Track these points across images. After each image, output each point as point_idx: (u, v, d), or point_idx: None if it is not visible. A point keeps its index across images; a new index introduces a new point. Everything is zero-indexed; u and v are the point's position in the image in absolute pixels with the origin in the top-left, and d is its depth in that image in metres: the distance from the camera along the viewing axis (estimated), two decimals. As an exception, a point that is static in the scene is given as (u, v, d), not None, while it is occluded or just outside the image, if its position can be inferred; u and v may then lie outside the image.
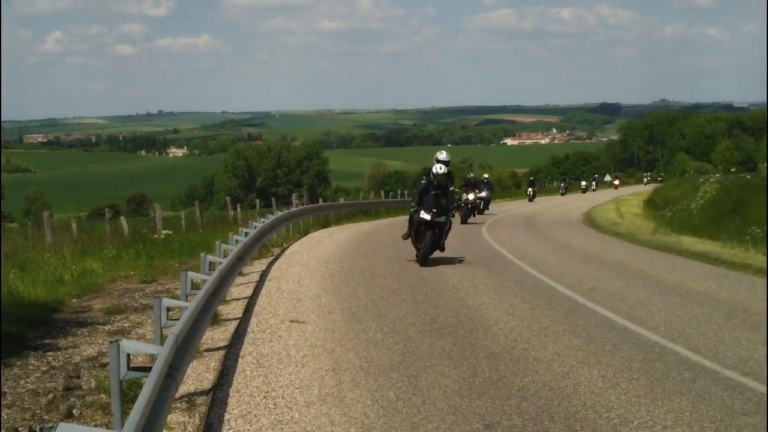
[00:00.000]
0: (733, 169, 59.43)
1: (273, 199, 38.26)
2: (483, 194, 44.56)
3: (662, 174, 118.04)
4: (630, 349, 10.45)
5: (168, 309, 8.98)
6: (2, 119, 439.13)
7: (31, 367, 9.91)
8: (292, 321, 12.51)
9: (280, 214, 26.58)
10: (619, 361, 9.79)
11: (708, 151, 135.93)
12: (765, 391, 8.45)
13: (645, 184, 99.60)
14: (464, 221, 36.53)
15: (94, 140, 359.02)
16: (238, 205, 36.94)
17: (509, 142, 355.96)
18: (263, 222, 22.18)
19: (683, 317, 12.65)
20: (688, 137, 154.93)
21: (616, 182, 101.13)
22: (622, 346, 10.63)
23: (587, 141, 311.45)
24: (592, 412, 7.89)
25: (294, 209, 30.88)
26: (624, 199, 57.32)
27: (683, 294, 15.00)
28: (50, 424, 7.69)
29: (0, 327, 10.70)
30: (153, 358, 6.96)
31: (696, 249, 22.60)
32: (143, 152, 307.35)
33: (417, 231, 19.44)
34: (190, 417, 7.94)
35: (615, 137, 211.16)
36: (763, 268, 17.84)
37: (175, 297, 12.12)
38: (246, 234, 18.29)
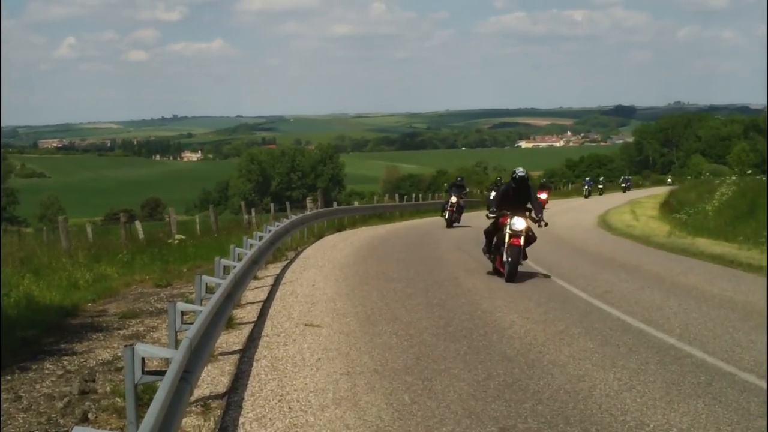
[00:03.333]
0: (749, 171, 59.15)
1: (287, 203, 38.28)
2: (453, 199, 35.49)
3: (629, 178, 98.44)
4: (645, 351, 10.41)
5: (182, 313, 9.00)
6: (18, 125, 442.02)
7: (46, 371, 9.94)
8: (306, 324, 12.52)
9: (294, 218, 26.62)
10: (634, 364, 9.75)
11: (724, 154, 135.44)
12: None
13: (586, 197, 74.24)
14: (449, 225, 34.30)
15: (108, 145, 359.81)
16: (253, 209, 36.98)
17: (524, 145, 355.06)
18: (278, 226, 22.22)
19: (699, 320, 12.60)
20: (704, 139, 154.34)
21: (543, 196, 47.58)
22: (637, 348, 10.59)
23: (602, 144, 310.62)
24: (608, 415, 7.86)
25: (308, 213, 30.90)
26: (639, 201, 57.14)
27: (699, 296, 14.94)
28: (65, 428, 7.71)
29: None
30: (167, 362, 6.97)
31: (712, 251, 22.49)
32: (158, 157, 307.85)
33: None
34: (205, 420, 7.95)
35: (630, 140, 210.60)
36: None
37: (189, 301, 12.15)
38: (260, 238, 18.33)
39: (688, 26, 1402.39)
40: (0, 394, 8.84)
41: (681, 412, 7.95)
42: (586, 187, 77.70)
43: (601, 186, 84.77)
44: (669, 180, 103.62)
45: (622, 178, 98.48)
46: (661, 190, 67.90)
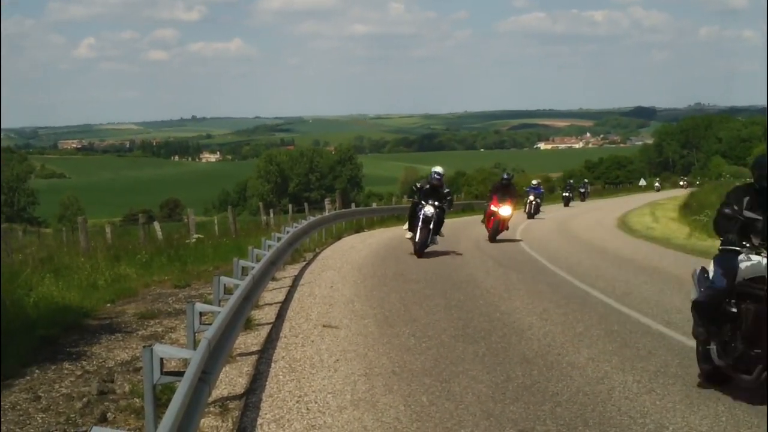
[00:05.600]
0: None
1: (306, 204, 38.31)
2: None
3: (587, 182, 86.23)
4: (665, 354, 10.36)
5: (201, 314, 9.01)
6: (38, 126, 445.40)
7: (65, 372, 9.96)
8: (324, 326, 12.51)
9: (312, 219, 26.63)
10: (654, 367, 9.70)
11: (744, 155, 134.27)
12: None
13: (530, 216, 44.74)
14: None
15: (127, 146, 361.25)
16: (271, 210, 37.05)
17: (543, 146, 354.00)
18: (296, 227, 22.23)
19: (719, 322, 12.51)
20: (724, 141, 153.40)
21: (502, 211, 27.73)
22: (657, 351, 10.54)
23: (621, 145, 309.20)
24: (627, 417, 7.82)
25: (327, 214, 30.92)
26: (659, 203, 56.93)
27: (719, 299, 14.83)
28: (84, 428, 7.73)
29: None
30: (186, 362, 6.97)
31: (732, 253, 22.34)
32: (176, 158, 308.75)
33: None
34: (223, 421, 7.95)
35: (650, 141, 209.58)
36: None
37: (208, 302, 12.15)
38: (279, 239, 18.34)
39: (709, 26, 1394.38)
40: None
41: (701, 414, 7.91)
42: (530, 198, 46.66)
43: (539, 201, 47.47)
44: (657, 184, 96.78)
45: (567, 183, 72.06)
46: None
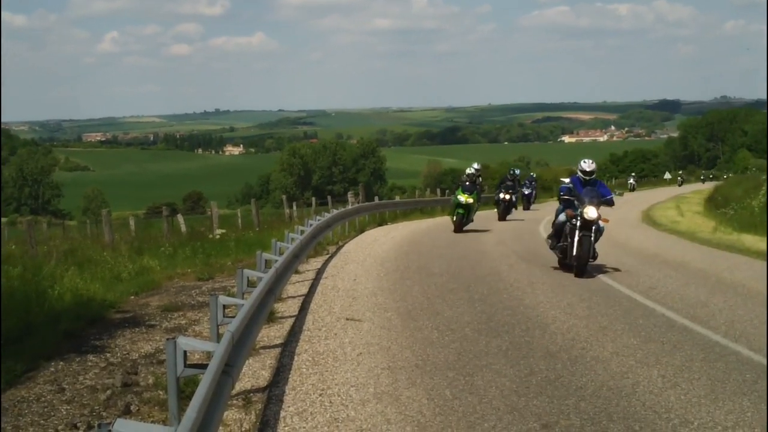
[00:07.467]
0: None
1: (329, 197, 38.31)
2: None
3: (533, 177, 52.54)
4: (690, 348, 10.30)
5: (224, 306, 9.01)
6: (62, 119, 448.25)
7: (89, 364, 10.01)
8: (347, 319, 12.51)
9: (335, 212, 26.61)
10: (678, 361, 9.65)
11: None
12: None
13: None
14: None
15: (151, 139, 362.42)
16: (294, 204, 37.07)
17: (567, 139, 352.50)
18: (319, 220, 22.23)
19: (745, 317, 12.44)
20: (750, 134, 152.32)
21: None
22: (682, 345, 10.48)
23: (646, 138, 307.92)
24: (652, 412, 7.78)
25: (350, 207, 30.91)
26: (685, 197, 56.61)
27: (745, 293, 14.75)
28: (108, 420, 7.75)
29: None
30: (209, 355, 6.99)
31: (758, 248, 22.19)
32: (200, 151, 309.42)
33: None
34: (246, 414, 7.96)
35: (675, 134, 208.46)
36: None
37: (231, 295, 12.18)
38: (302, 232, 18.34)
39: (734, 20, 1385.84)
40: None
41: (726, 410, 7.85)
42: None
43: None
44: (631, 181, 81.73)
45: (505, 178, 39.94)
46: None
